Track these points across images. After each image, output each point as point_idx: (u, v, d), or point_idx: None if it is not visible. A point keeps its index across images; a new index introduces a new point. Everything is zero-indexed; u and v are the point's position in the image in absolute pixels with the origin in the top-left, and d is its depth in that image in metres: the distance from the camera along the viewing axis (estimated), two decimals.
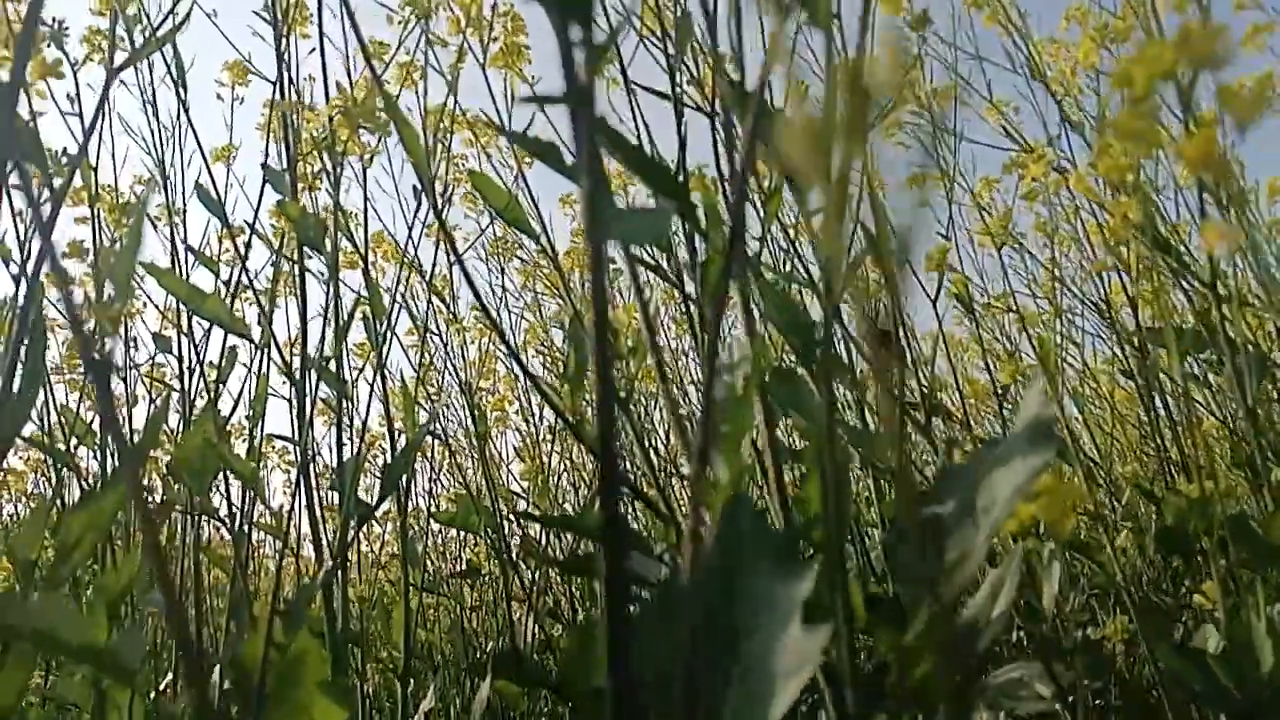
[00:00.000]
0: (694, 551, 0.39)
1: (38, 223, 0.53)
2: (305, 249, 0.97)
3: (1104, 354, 2.06)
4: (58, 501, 0.89)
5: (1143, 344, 1.24)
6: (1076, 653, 1.46)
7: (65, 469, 0.99)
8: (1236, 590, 0.89)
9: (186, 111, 1.09)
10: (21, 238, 0.73)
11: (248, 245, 1.24)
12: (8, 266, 0.67)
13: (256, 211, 1.20)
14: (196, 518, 1.16)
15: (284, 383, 1.12)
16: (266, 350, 0.99)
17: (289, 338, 1.30)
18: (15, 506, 2.16)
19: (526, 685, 1.28)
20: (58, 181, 0.73)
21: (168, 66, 1.04)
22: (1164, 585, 1.81)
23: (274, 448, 1.89)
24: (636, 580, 0.87)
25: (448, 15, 1.07)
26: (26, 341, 0.60)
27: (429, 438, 1.75)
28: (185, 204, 1.19)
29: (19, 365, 0.59)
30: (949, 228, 1.47)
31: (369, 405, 1.34)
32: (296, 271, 0.98)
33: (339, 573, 0.88)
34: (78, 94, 0.88)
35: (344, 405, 1.09)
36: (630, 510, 1.76)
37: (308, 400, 0.95)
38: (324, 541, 0.91)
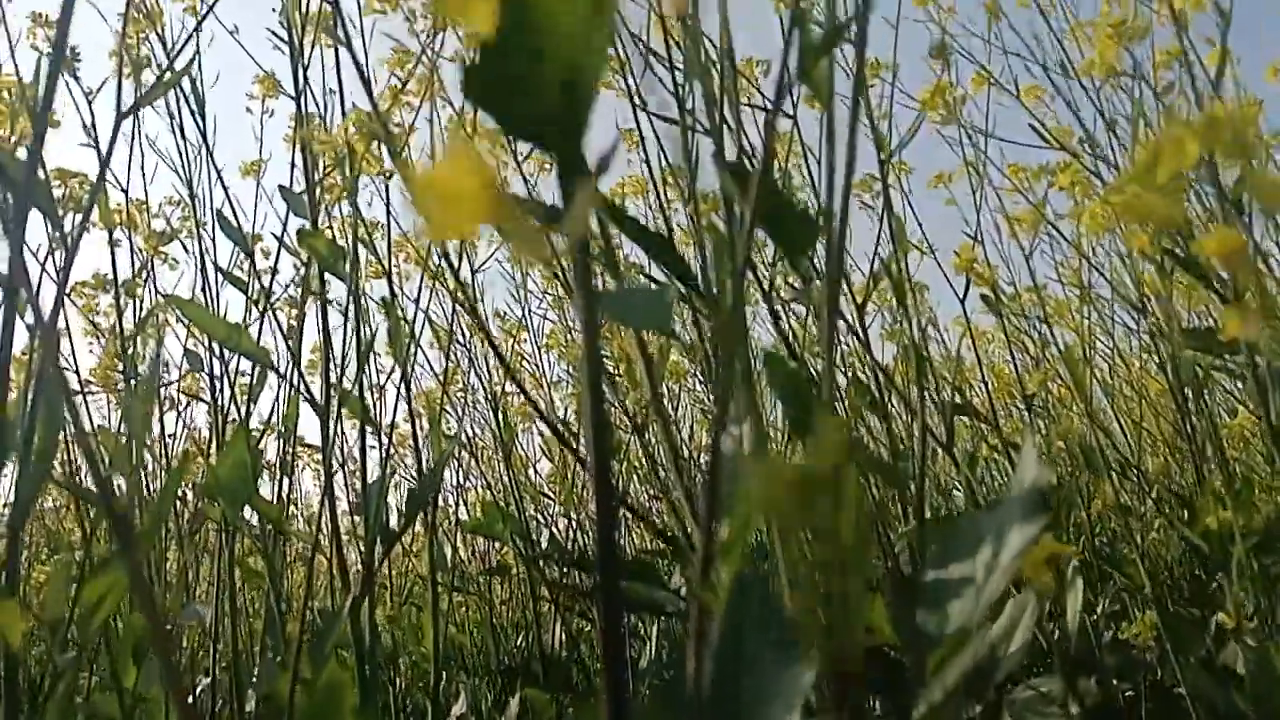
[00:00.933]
0: (698, 649, 0.40)
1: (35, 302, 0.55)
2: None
3: (1136, 337, 2.03)
4: (88, 539, 0.91)
5: (1173, 347, 1.22)
6: (1106, 654, 1.46)
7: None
8: (1259, 612, 0.89)
9: (210, 151, 1.10)
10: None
11: (275, 263, 1.25)
12: (23, 319, 0.68)
13: (285, 224, 1.21)
14: (231, 531, 1.18)
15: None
16: (294, 372, 1.00)
17: (316, 341, 1.32)
18: (54, 503, 2.21)
19: (553, 692, 1.30)
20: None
21: (186, 99, 1.05)
22: (1196, 572, 1.79)
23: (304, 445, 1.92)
24: (653, 608, 0.88)
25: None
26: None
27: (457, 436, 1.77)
28: (214, 218, 1.20)
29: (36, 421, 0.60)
30: (977, 222, 1.45)
31: (395, 407, 1.36)
32: (319, 301, 0.99)
33: (366, 599, 0.90)
34: (93, 124, 0.89)
35: (369, 417, 1.10)
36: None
37: (331, 422, 0.96)
38: (349, 568, 0.92)
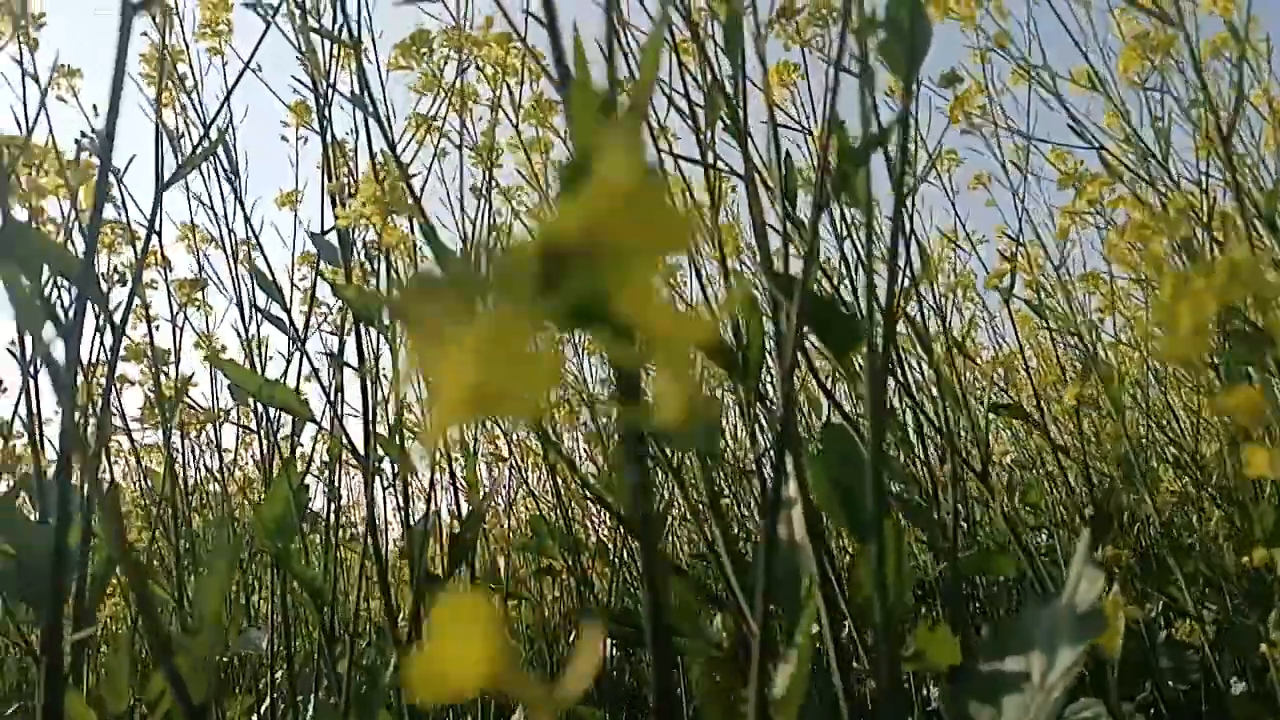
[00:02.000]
0: None
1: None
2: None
3: None
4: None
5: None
6: (1160, 654, 1.44)
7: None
8: None
9: (242, 200, 1.10)
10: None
11: (313, 289, 1.26)
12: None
13: (318, 259, 1.22)
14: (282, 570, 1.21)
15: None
16: (334, 422, 1.01)
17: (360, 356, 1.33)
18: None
19: (605, 705, 1.32)
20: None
21: (220, 164, 1.05)
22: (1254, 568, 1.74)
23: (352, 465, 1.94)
24: (695, 655, 0.88)
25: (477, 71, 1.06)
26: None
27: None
28: (252, 248, 1.21)
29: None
30: (1019, 225, 1.42)
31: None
32: (355, 338, 1.00)
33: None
34: (123, 200, 0.90)
35: (407, 461, 1.11)
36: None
37: (371, 471, 0.97)
38: (395, 613, 0.93)
